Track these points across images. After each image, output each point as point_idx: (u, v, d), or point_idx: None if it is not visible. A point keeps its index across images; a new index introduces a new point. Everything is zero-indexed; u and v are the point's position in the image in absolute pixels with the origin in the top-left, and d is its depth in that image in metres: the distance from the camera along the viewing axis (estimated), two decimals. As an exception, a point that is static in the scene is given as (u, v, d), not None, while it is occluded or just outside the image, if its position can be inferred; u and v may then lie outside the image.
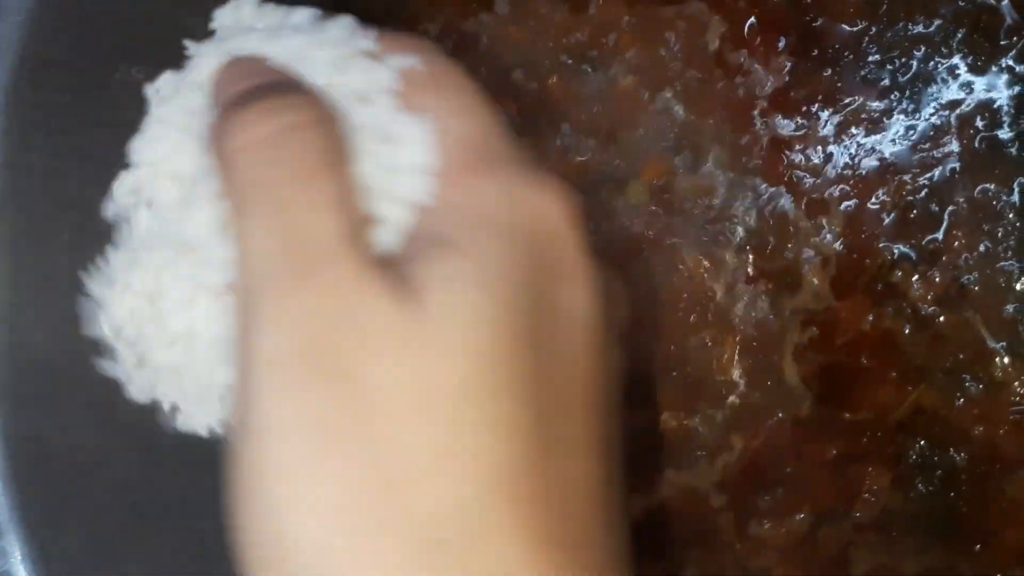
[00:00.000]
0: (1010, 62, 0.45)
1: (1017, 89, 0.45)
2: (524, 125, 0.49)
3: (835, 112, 0.48)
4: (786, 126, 0.48)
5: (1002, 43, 0.46)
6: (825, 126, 0.48)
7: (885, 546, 0.47)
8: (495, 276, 0.21)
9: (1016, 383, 0.44)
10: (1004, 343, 0.45)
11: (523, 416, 0.21)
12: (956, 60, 0.46)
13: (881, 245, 0.47)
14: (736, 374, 0.49)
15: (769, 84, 0.48)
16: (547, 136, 0.50)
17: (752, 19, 0.49)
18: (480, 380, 0.20)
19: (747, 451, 0.49)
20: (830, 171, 0.48)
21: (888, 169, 0.47)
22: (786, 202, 0.48)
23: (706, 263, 0.49)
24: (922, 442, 0.46)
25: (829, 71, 0.48)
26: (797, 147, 0.48)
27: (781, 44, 0.48)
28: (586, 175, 0.50)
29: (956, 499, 0.46)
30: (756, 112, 0.48)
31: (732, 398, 0.49)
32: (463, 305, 0.20)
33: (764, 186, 0.48)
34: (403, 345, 0.20)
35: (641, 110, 0.50)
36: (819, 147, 0.48)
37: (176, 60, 0.42)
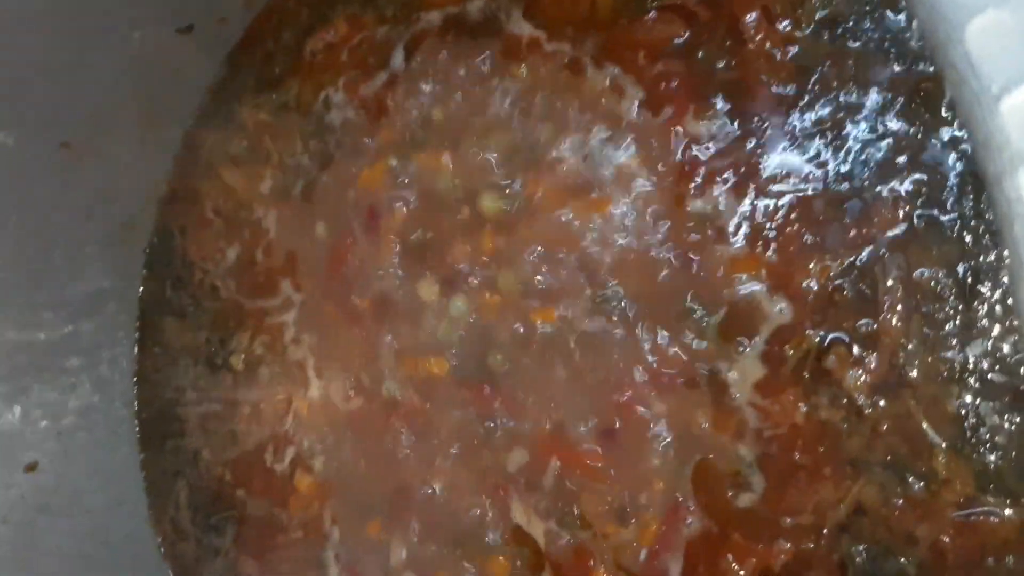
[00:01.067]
0: (954, 134, 0.42)
1: (960, 165, 0.41)
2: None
3: (758, 185, 0.44)
4: (701, 200, 0.45)
5: (944, 114, 0.42)
6: (746, 200, 0.45)
7: (833, 663, 0.43)
8: None
9: (959, 482, 0.40)
10: (947, 438, 0.41)
11: None
12: (893, 131, 0.43)
13: (808, 331, 0.43)
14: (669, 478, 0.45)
15: (691, 152, 0.45)
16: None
17: (674, 82, 0.46)
18: None
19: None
20: (749, 251, 0.44)
21: (816, 248, 0.43)
22: (704, 291, 0.45)
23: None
24: (866, 548, 0.42)
25: (753, 141, 0.45)
26: (712, 224, 0.45)
27: (705, 110, 0.45)
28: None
29: (906, 611, 0.41)
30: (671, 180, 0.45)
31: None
32: None
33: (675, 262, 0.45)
34: None
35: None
36: (739, 222, 0.45)
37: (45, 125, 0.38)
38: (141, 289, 0.65)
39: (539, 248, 0.49)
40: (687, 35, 0.48)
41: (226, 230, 0.62)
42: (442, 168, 0.52)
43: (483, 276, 0.51)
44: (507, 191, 0.51)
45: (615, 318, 0.47)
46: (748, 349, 0.44)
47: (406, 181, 0.54)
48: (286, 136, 0.60)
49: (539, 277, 0.49)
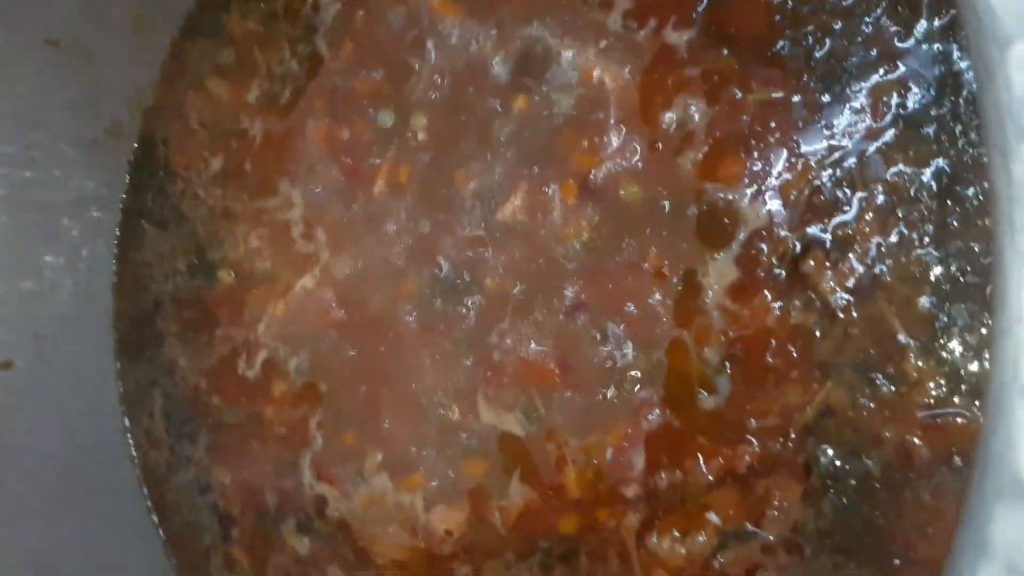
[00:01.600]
0: (936, 38, 0.41)
1: (940, 67, 0.41)
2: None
3: (742, 89, 0.44)
4: (678, 108, 0.45)
5: (926, 16, 0.42)
6: (730, 104, 0.44)
7: (796, 567, 0.43)
8: None
9: (930, 382, 0.40)
10: (918, 338, 0.40)
11: None
12: (876, 35, 0.42)
13: (783, 234, 0.43)
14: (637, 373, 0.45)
15: (670, 60, 0.45)
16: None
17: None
18: None
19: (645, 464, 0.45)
20: (735, 154, 0.44)
21: (795, 150, 0.43)
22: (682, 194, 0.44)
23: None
24: (833, 449, 0.42)
25: (734, 47, 0.44)
26: (689, 130, 0.45)
27: (688, 21, 0.45)
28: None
29: (871, 511, 0.41)
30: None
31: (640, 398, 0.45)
32: None
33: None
34: None
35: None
36: (717, 127, 0.44)
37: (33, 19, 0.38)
38: (123, 196, 0.65)
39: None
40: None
41: (211, 141, 0.62)
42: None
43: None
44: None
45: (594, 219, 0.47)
46: (722, 253, 0.44)
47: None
48: (274, 45, 0.60)
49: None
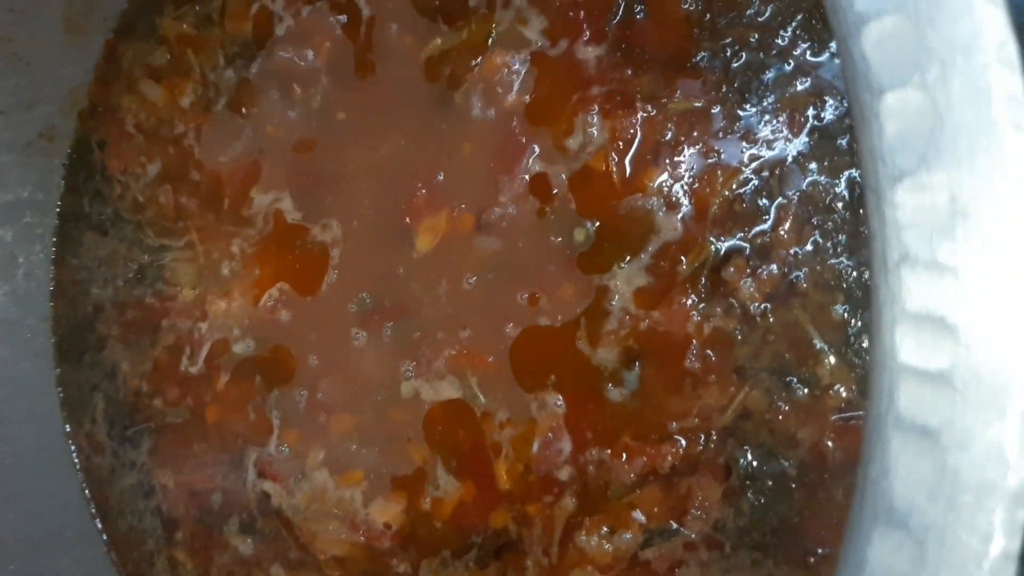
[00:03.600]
0: (853, 52, 0.43)
1: (855, 79, 0.42)
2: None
3: (661, 101, 0.45)
4: (605, 120, 0.46)
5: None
6: (650, 116, 0.45)
7: (717, 562, 0.44)
8: None
9: (840, 386, 0.42)
10: (831, 344, 0.42)
11: None
12: (790, 47, 0.44)
13: (708, 238, 0.44)
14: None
15: (586, 71, 0.46)
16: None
17: (579, 11, 0.46)
18: None
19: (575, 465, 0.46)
20: (652, 164, 0.45)
21: (716, 161, 0.44)
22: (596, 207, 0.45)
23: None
24: (751, 450, 0.43)
25: (655, 59, 0.45)
26: (617, 142, 0.45)
27: (603, 36, 0.46)
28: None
29: (787, 509, 0.43)
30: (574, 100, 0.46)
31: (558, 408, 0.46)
32: None
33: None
34: None
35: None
36: (643, 139, 0.45)
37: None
38: (59, 202, 0.64)
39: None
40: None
41: (147, 145, 0.61)
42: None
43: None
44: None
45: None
46: (628, 262, 0.45)
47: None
48: (208, 50, 0.59)
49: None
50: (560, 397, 0.47)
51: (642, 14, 0.45)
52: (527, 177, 0.47)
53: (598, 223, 0.46)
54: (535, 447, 0.46)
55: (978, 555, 0.21)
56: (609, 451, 0.45)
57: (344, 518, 0.52)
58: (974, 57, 0.21)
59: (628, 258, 0.45)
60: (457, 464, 0.48)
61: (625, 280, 0.45)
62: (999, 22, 0.21)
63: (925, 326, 0.22)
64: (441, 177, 0.49)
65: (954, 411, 0.22)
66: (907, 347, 0.23)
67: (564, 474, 0.46)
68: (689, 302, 0.44)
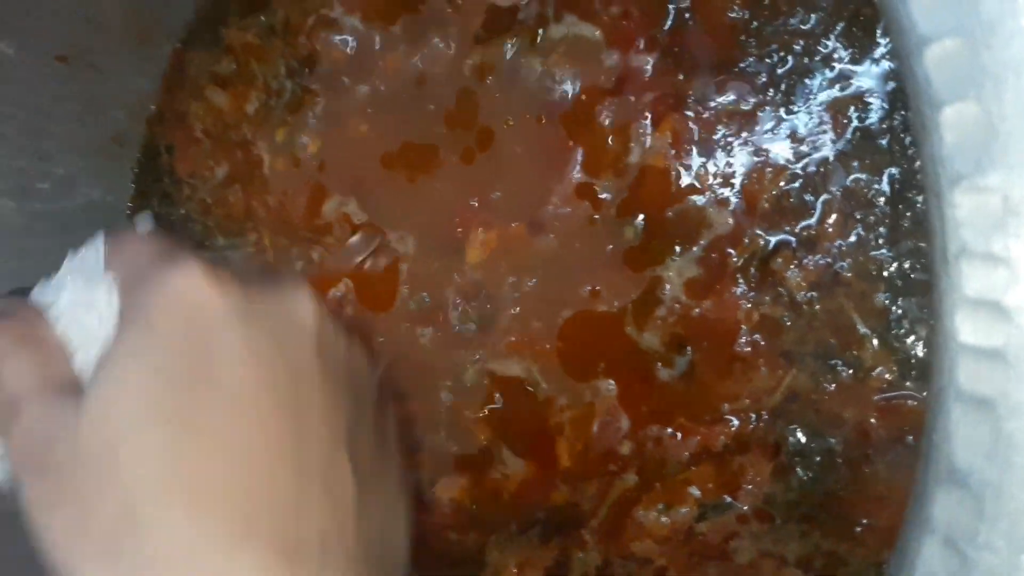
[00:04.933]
0: (885, 56, 0.46)
1: (891, 84, 0.46)
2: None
3: (711, 104, 0.48)
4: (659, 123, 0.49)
5: (879, 37, 0.46)
6: (702, 118, 0.48)
7: (768, 534, 0.48)
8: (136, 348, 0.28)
9: (882, 368, 0.45)
10: (874, 329, 0.45)
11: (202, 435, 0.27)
12: (833, 54, 0.47)
13: (757, 231, 0.47)
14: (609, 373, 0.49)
15: (644, 75, 0.49)
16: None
17: (630, 21, 0.49)
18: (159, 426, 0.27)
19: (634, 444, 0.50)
20: (706, 162, 0.48)
21: (764, 160, 0.47)
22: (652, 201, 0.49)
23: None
24: (799, 429, 0.47)
25: (705, 63, 0.48)
26: (670, 143, 0.49)
27: (655, 44, 0.49)
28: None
29: (834, 484, 0.46)
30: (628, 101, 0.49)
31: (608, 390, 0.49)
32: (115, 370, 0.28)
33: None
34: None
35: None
36: (697, 138, 0.48)
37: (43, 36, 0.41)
38: (129, 204, 0.68)
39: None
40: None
41: (214, 149, 0.65)
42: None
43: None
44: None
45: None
46: (680, 255, 0.48)
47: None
48: (271, 60, 0.63)
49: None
50: (612, 382, 0.50)
51: (692, 22, 0.48)
52: (578, 177, 0.50)
53: (646, 219, 0.49)
54: (594, 427, 0.49)
55: (1030, 507, 0.25)
56: (668, 430, 0.48)
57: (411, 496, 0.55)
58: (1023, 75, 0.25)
59: (679, 250, 0.48)
60: (520, 445, 0.52)
61: (677, 272, 0.48)
62: (1048, 45, 0.24)
63: (981, 310, 0.26)
64: (495, 191, 0.53)
65: (1008, 383, 0.25)
66: (965, 329, 0.26)
67: (623, 451, 0.49)
68: (739, 291, 0.47)
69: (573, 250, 0.51)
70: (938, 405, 0.27)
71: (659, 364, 0.49)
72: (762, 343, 0.47)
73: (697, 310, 0.48)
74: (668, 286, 0.48)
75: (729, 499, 0.48)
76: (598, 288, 0.50)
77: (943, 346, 0.26)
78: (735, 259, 0.47)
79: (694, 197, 0.48)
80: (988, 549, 0.25)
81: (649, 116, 0.49)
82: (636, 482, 0.49)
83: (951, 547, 0.26)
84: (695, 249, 0.48)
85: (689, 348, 0.48)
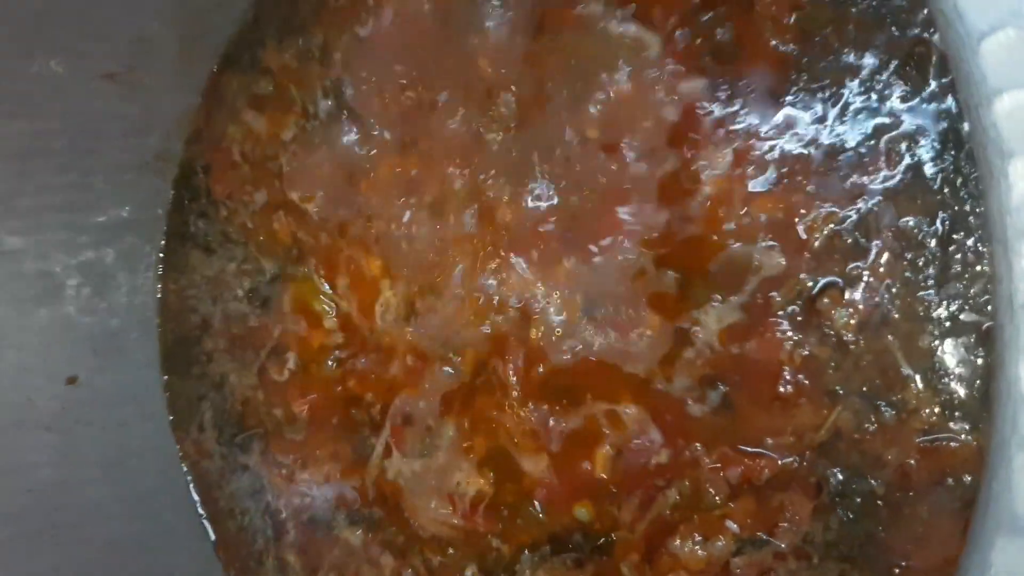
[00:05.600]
0: (940, 97, 0.45)
1: (943, 124, 0.45)
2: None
3: (761, 139, 0.48)
4: (707, 156, 0.49)
5: (933, 77, 0.46)
6: (751, 153, 0.48)
7: (804, 571, 0.48)
8: None
9: (926, 410, 0.45)
10: (918, 370, 0.45)
11: None
12: (885, 91, 0.46)
13: (803, 275, 0.47)
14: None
15: (693, 112, 0.49)
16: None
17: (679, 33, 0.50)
18: None
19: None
20: (755, 201, 0.48)
21: (815, 197, 0.47)
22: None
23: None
24: (841, 470, 0.46)
25: (757, 98, 0.48)
26: (722, 174, 0.49)
27: (702, 70, 0.49)
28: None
29: (873, 525, 0.46)
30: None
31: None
32: None
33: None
34: None
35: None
36: (745, 173, 0.48)
37: (92, 54, 0.42)
38: (166, 222, 0.69)
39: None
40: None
41: (252, 175, 0.65)
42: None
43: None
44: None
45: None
46: (722, 302, 0.48)
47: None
48: (308, 83, 0.63)
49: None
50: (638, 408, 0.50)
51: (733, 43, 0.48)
52: (630, 217, 0.50)
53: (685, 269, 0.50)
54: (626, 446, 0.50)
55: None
56: (706, 458, 0.48)
57: (441, 493, 0.55)
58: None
59: (720, 298, 0.48)
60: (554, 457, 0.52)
61: (716, 318, 0.49)
62: None
63: (1051, 369, 0.25)
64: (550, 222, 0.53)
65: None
66: (1036, 388, 0.26)
67: (657, 480, 0.49)
68: (781, 331, 0.47)
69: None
70: (1000, 455, 0.27)
71: (689, 400, 0.49)
72: (806, 382, 0.46)
73: (736, 350, 0.48)
74: (702, 332, 0.49)
75: (767, 536, 0.48)
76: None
77: (1005, 394, 0.26)
78: (779, 299, 0.47)
79: (740, 239, 0.48)
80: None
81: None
82: (675, 505, 0.49)
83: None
84: (738, 297, 0.48)
85: (720, 384, 0.48)
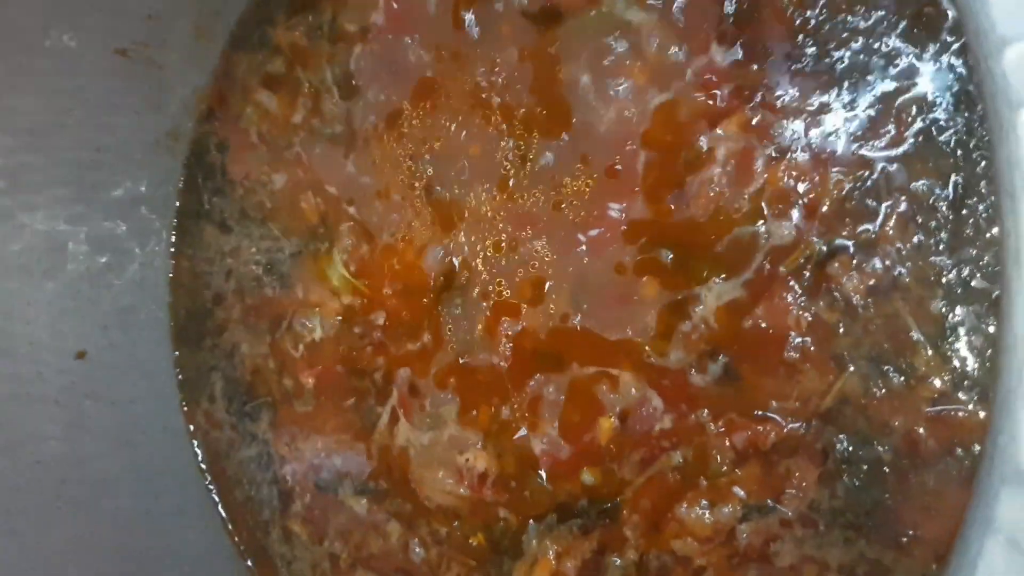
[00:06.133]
0: (951, 58, 0.45)
1: (955, 85, 0.45)
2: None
3: (772, 105, 0.48)
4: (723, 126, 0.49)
5: (943, 38, 0.45)
6: (761, 119, 0.48)
7: (811, 539, 0.47)
8: None
9: (935, 378, 0.44)
10: (929, 336, 0.44)
11: None
12: (895, 54, 0.46)
13: (814, 239, 0.47)
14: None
15: (708, 79, 0.49)
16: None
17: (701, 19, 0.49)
18: None
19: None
20: (766, 163, 0.48)
21: (825, 161, 0.47)
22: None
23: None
24: (847, 436, 0.46)
25: (765, 62, 0.48)
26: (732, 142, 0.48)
27: (722, 39, 0.49)
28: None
29: (881, 493, 0.46)
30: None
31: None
32: None
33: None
34: None
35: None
36: (754, 140, 0.48)
37: (104, 29, 0.42)
38: (178, 200, 0.69)
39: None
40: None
41: (270, 156, 0.65)
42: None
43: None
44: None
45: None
46: (723, 279, 0.48)
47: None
48: (316, 62, 0.63)
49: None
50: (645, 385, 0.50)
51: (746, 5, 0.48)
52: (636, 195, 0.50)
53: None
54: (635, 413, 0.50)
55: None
56: (711, 424, 0.48)
57: (450, 465, 0.55)
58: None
59: (724, 276, 0.48)
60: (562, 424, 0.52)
61: (716, 296, 0.48)
62: None
63: (1056, 311, 0.25)
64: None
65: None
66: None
67: (662, 443, 0.49)
68: (790, 296, 0.47)
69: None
70: (1005, 407, 0.26)
71: (692, 370, 0.49)
72: (812, 347, 0.46)
73: (745, 318, 0.47)
74: (701, 306, 0.48)
75: (773, 503, 0.47)
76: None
77: (1012, 348, 0.26)
78: (788, 265, 0.47)
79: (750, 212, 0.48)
80: (1059, 555, 0.25)
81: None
82: (680, 474, 0.49)
83: (1015, 547, 0.26)
84: (757, 256, 0.48)
85: (721, 355, 0.48)
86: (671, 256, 0.50)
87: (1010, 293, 0.26)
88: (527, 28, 0.54)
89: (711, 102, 0.49)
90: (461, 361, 0.56)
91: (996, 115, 0.26)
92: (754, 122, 0.48)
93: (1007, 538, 0.26)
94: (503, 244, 0.55)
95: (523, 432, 0.53)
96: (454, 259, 0.56)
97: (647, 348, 0.50)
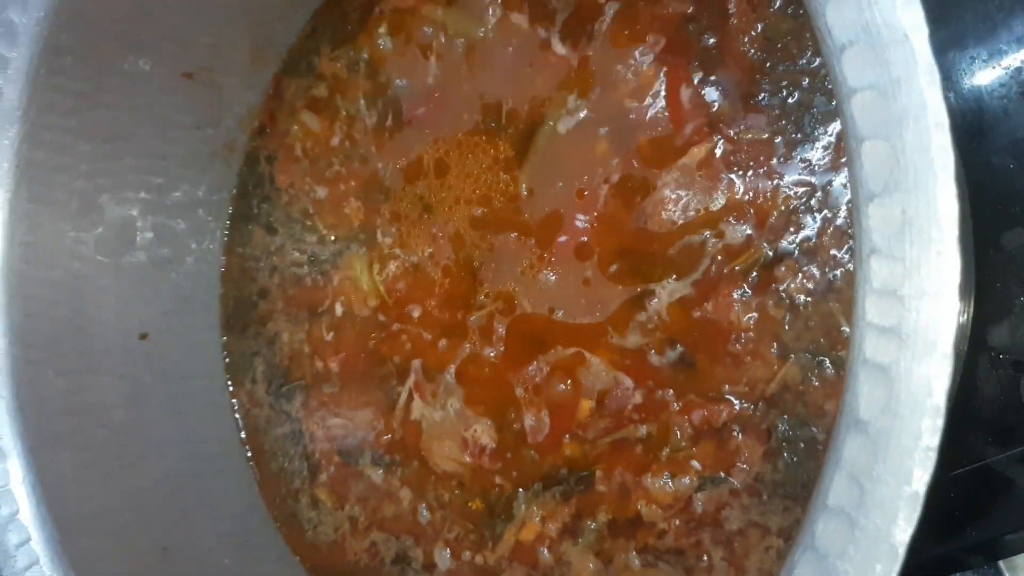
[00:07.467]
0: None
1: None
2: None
3: (734, 133, 0.56)
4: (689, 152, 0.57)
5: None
6: (720, 142, 0.56)
7: (756, 507, 0.55)
8: None
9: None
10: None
11: None
12: (832, 91, 0.54)
13: (764, 246, 0.55)
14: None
15: (677, 109, 0.57)
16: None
17: (666, 53, 0.58)
18: None
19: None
20: (732, 180, 0.56)
21: (776, 180, 0.55)
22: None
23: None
24: (788, 418, 0.54)
25: (727, 96, 0.56)
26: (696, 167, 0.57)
27: (688, 75, 0.57)
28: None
29: (815, 468, 0.53)
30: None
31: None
32: None
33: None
34: None
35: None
36: (717, 159, 0.56)
37: (174, 56, 0.52)
38: (232, 203, 0.79)
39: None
40: (691, 10, 0.59)
41: (312, 170, 0.75)
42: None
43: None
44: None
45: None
46: (675, 280, 0.56)
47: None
48: (352, 92, 0.73)
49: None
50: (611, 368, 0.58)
51: (718, 54, 0.56)
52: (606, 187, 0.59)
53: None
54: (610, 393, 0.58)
55: (911, 448, 0.32)
56: (675, 403, 0.56)
57: (456, 437, 0.64)
58: (921, 121, 0.32)
59: (675, 276, 0.56)
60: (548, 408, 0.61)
61: (668, 294, 0.57)
62: (937, 100, 0.32)
63: (884, 297, 0.33)
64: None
65: (900, 354, 0.32)
66: (871, 311, 0.33)
67: (632, 416, 0.58)
68: (740, 294, 0.55)
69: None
70: (852, 372, 0.34)
71: (652, 351, 0.57)
72: (759, 340, 0.54)
73: (697, 313, 0.55)
74: (655, 300, 0.57)
75: (724, 475, 0.55)
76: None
77: (856, 325, 0.34)
78: (737, 267, 0.55)
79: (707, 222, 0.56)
80: (880, 482, 0.33)
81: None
82: (644, 447, 0.57)
83: (854, 480, 0.34)
84: (705, 259, 0.56)
85: (678, 344, 0.56)
86: (632, 262, 0.58)
87: (857, 282, 0.34)
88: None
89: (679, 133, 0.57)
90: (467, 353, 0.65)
91: (848, 146, 0.35)
92: (717, 151, 0.56)
93: (848, 474, 0.34)
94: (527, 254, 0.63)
95: (518, 411, 0.62)
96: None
97: (609, 328, 0.58)
